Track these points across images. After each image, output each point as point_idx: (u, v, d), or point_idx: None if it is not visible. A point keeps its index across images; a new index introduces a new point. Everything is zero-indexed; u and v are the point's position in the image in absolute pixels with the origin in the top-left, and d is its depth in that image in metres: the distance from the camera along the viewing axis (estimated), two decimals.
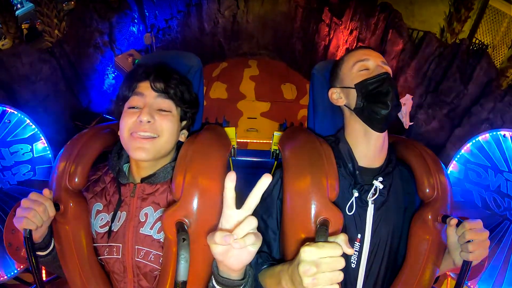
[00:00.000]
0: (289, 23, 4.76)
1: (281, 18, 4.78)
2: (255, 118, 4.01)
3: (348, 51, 0.84)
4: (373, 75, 0.75)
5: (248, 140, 2.91)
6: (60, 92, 2.93)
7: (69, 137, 0.78)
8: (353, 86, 0.76)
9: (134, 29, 3.85)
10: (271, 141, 1.09)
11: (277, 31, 4.88)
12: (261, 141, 2.80)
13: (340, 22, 4.12)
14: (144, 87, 0.71)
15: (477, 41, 4.34)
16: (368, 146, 0.76)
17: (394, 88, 0.73)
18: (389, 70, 0.77)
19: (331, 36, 4.33)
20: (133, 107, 0.70)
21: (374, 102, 0.73)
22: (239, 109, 4.14)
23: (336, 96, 0.82)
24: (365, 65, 0.77)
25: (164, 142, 0.70)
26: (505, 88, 2.85)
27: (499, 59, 4.43)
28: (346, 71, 0.80)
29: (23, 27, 4.06)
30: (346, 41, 4.10)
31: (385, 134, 0.76)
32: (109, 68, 3.55)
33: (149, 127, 0.67)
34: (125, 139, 0.69)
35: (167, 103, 0.71)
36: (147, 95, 0.70)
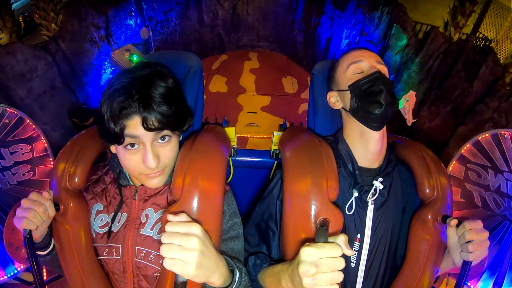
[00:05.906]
0: (290, 15, 4.67)
1: (282, 10, 4.68)
2: (255, 113, 3.97)
3: (343, 53, 0.83)
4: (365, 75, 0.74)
5: (248, 136, 2.89)
6: (56, 89, 2.87)
7: (66, 134, 0.77)
8: (347, 88, 0.76)
9: (131, 22, 3.77)
10: (271, 137, 1.09)
11: (277, 23, 4.79)
12: (261, 136, 2.77)
13: (343, 15, 4.05)
14: (135, 125, 0.61)
15: (480, 35, 4.27)
16: (366, 146, 0.76)
17: (387, 86, 0.72)
18: (384, 69, 0.76)
19: (333, 29, 4.26)
20: (131, 146, 0.64)
21: (368, 101, 0.72)
22: (239, 103, 4.10)
23: (334, 99, 0.82)
24: (358, 66, 0.76)
25: (171, 168, 0.71)
26: (509, 83, 2.80)
27: (503, 54, 4.38)
28: (340, 73, 0.80)
29: (20, 20, 3.98)
30: (349, 34, 4.03)
31: (383, 133, 0.76)
32: (106, 63, 3.50)
33: (156, 167, 0.66)
34: (135, 175, 0.70)
35: (165, 132, 0.65)
36: (143, 136, 0.63)
